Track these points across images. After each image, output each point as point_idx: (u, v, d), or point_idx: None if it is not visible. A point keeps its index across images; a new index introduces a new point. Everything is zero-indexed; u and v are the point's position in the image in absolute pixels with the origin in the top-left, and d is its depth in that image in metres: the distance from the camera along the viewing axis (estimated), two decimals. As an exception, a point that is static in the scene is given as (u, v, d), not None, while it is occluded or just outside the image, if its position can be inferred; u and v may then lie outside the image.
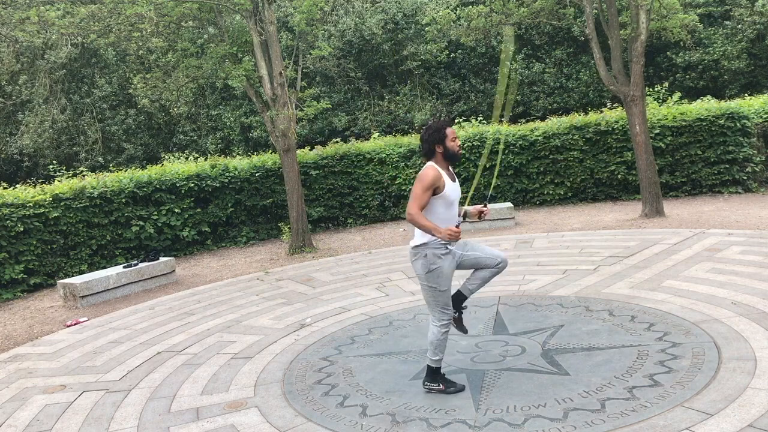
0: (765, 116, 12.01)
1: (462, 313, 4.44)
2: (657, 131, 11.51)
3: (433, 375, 4.26)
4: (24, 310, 8.43)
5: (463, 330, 4.50)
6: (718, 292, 5.68)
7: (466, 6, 14.73)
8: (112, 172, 11.80)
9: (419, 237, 4.11)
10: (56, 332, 6.99)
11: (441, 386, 4.23)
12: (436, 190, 4.02)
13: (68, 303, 8.28)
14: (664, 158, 11.62)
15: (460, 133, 12.88)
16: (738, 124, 11.38)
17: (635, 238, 8.38)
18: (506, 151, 12.40)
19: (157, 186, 11.06)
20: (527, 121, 14.79)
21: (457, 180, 4.25)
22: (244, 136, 22.28)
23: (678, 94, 14.21)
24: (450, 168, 4.22)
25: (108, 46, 13.19)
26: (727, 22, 19.62)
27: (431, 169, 4.04)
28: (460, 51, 21.87)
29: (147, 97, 12.14)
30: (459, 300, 4.39)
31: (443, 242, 4.04)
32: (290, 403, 4.35)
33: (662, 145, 11.51)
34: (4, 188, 10.30)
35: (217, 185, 11.69)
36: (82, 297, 8.13)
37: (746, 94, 16.25)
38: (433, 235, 3.95)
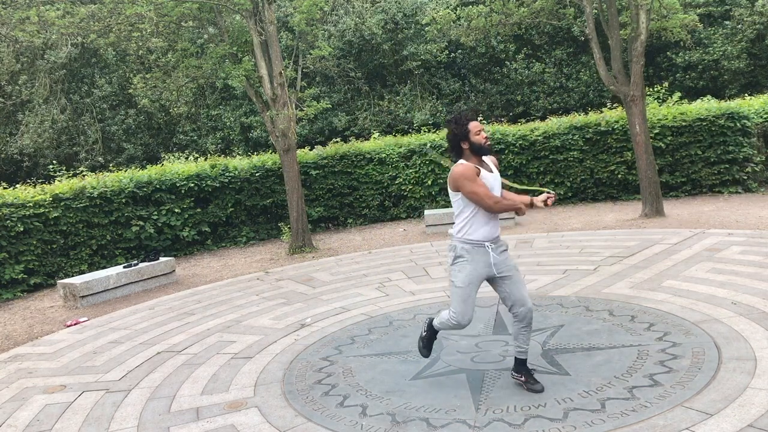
0: (765, 116, 12.01)
1: (533, 372, 4.23)
2: (657, 131, 11.51)
3: (429, 330, 4.39)
4: (24, 310, 8.43)
5: (538, 389, 4.10)
6: (718, 292, 5.68)
7: (466, 6, 14.71)
8: (112, 172, 11.80)
9: (456, 227, 4.06)
10: (56, 332, 6.99)
11: (425, 333, 4.39)
12: None
13: (68, 303, 8.28)
14: (664, 158, 11.62)
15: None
16: (738, 124, 11.38)
17: (635, 238, 8.38)
18: (506, 151, 12.40)
19: (157, 186, 11.06)
20: (527, 121, 14.79)
21: (496, 170, 4.11)
22: (244, 136, 22.27)
23: (678, 94, 14.21)
24: (485, 160, 4.08)
25: (108, 46, 13.17)
26: (727, 22, 19.61)
27: (461, 166, 3.92)
28: (460, 51, 21.87)
29: (147, 97, 12.14)
30: (522, 363, 4.17)
31: (479, 242, 3.96)
32: (290, 403, 4.35)
33: (662, 145, 11.51)
34: (4, 188, 10.29)
35: (217, 185, 11.69)
36: (82, 297, 8.13)
37: (746, 94, 16.25)
38: (518, 209, 3.97)
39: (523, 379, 4.14)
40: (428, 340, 4.42)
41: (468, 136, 3.95)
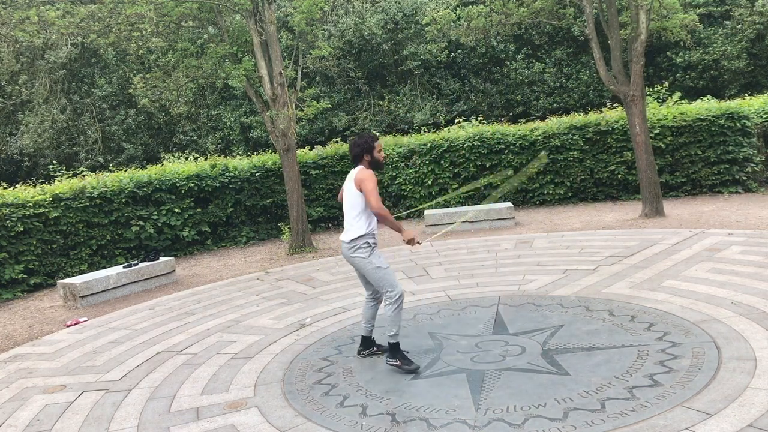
0: (765, 116, 12.01)
1: (375, 348, 5.12)
2: (657, 131, 11.51)
3: (393, 351, 4.71)
4: (24, 310, 8.43)
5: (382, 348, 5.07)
6: (718, 292, 5.68)
7: (466, 6, 14.72)
8: (112, 172, 11.80)
9: (355, 231, 4.68)
10: (56, 332, 6.99)
11: (398, 362, 4.66)
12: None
13: (68, 303, 8.28)
14: (664, 158, 11.62)
15: (460, 133, 12.90)
16: (738, 124, 11.38)
17: (635, 238, 8.38)
18: (506, 151, 12.40)
19: (157, 186, 11.06)
20: (527, 121, 14.79)
21: None
22: (244, 136, 22.27)
23: (678, 94, 14.21)
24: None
25: (108, 46, 13.16)
26: (727, 22, 19.62)
27: (367, 172, 4.66)
28: (460, 51, 21.87)
29: (147, 97, 12.12)
30: (369, 342, 5.10)
31: (374, 233, 4.72)
32: (290, 403, 4.35)
33: (662, 145, 11.51)
34: (4, 188, 10.29)
35: (217, 185, 11.69)
36: (82, 297, 8.13)
37: (746, 94, 16.25)
38: (399, 228, 4.65)
39: (379, 351, 5.07)
40: (402, 355, 4.71)
41: (372, 152, 4.76)
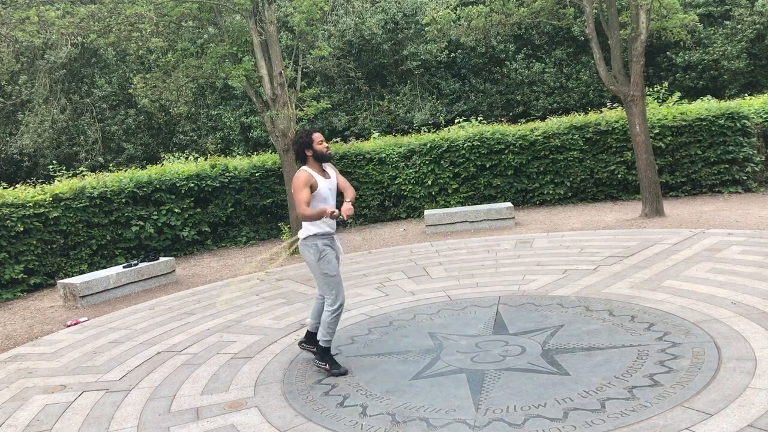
0: (765, 116, 12.01)
1: (311, 347, 5.04)
2: (657, 131, 11.51)
3: (323, 354, 4.77)
4: (24, 310, 8.43)
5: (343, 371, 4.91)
6: (718, 292, 5.68)
7: (466, 6, 14.72)
8: (112, 172, 11.80)
9: (309, 229, 4.67)
10: (56, 332, 6.99)
11: (327, 366, 4.74)
12: (311, 188, 4.58)
13: (68, 303, 8.29)
14: (664, 158, 11.62)
15: (460, 133, 12.90)
16: (738, 124, 11.38)
17: (635, 238, 8.38)
18: (506, 151, 12.40)
19: (157, 186, 11.07)
20: (527, 121, 14.79)
21: (332, 176, 4.79)
22: (244, 136, 22.28)
23: (678, 94, 14.22)
24: (324, 167, 4.77)
25: (108, 46, 13.17)
26: (727, 22, 19.63)
27: (301, 172, 4.60)
28: (460, 51, 21.88)
29: (147, 97, 12.14)
30: (312, 339, 4.99)
31: (328, 232, 4.67)
32: (290, 403, 4.35)
33: (662, 145, 11.51)
34: (4, 188, 10.29)
35: (217, 185, 11.69)
36: (82, 297, 8.14)
37: (746, 94, 16.27)
38: (322, 216, 4.48)
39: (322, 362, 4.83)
40: (331, 359, 4.78)
41: (311, 145, 4.64)
